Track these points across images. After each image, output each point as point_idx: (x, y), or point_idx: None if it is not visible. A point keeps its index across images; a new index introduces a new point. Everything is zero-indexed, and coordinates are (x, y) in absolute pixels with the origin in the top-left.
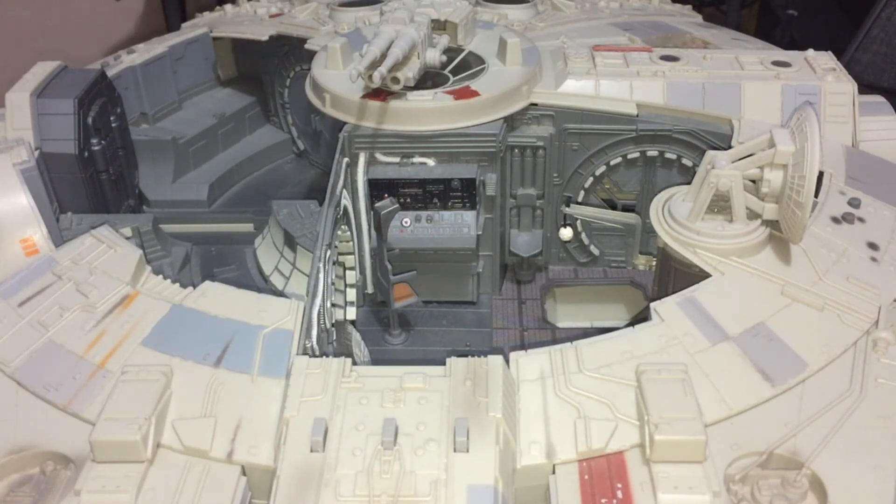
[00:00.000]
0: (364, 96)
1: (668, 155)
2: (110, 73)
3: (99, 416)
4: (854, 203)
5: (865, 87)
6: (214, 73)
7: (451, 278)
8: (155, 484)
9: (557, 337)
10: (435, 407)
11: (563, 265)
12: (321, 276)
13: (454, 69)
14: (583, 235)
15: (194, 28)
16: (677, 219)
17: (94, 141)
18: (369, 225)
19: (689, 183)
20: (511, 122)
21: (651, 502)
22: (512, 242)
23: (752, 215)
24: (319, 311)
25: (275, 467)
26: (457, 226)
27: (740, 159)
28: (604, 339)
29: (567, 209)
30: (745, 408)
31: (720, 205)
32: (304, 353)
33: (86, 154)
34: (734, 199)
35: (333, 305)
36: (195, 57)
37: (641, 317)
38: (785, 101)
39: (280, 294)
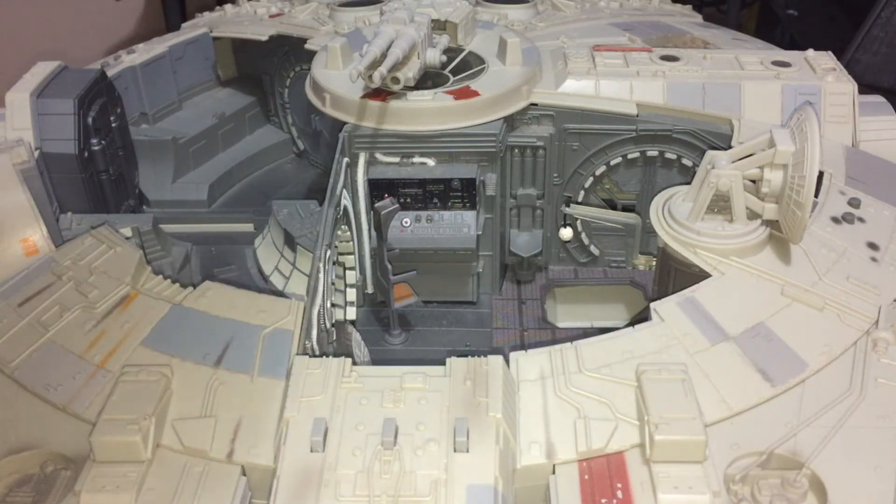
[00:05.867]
0: (364, 96)
1: (668, 155)
2: (110, 73)
3: (99, 416)
4: (854, 203)
5: (865, 87)
6: (214, 73)
7: (451, 278)
8: (155, 484)
9: (557, 337)
10: (435, 407)
11: (563, 265)
12: (321, 276)
13: (454, 69)
14: (583, 235)
15: (194, 28)
16: (677, 219)
17: (94, 141)
18: (369, 225)
19: (689, 183)
20: (511, 122)
21: (651, 502)
22: (512, 242)
23: (752, 215)
24: (319, 311)
25: (275, 467)
26: (457, 226)
27: (740, 159)
28: (604, 339)
29: (567, 209)
30: (745, 408)
31: (720, 205)
32: (304, 353)
33: (86, 154)
34: (734, 199)
35: (333, 305)
36: (195, 57)
37: (641, 317)
38: (785, 101)
39: (280, 294)
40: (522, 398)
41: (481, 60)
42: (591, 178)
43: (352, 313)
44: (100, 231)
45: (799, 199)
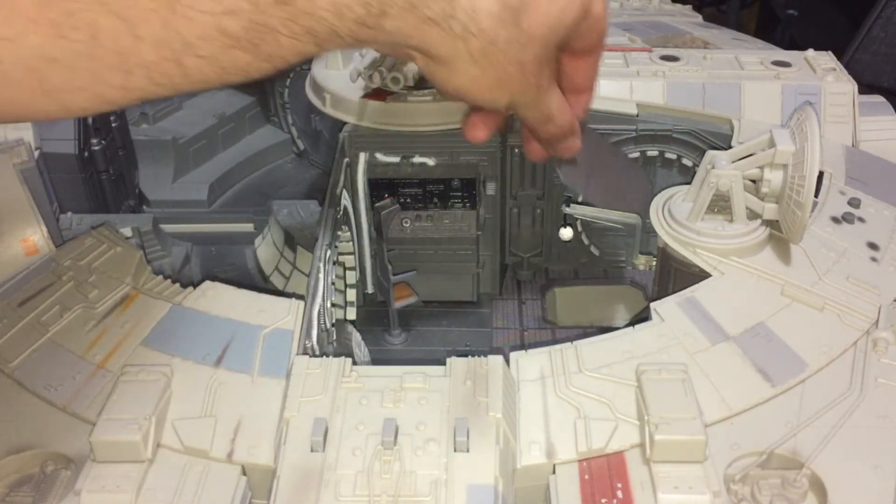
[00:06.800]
0: (364, 96)
1: (668, 155)
2: None
3: (99, 416)
4: (854, 203)
5: (865, 87)
6: None
7: (451, 278)
8: (155, 484)
9: (557, 337)
10: (435, 407)
11: (563, 265)
12: (321, 276)
13: None
14: (583, 235)
15: None
16: (677, 219)
17: (94, 141)
18: (369, 225)
19: (689, 183)
20: (511, 121)
21: (651, 502)
22: (512, 242)
23: (752, 215)
24: (319, 311)
25: (275, 467)
26: (457, 226)
27: (740, 159)
28: (604, 339)
29: (567, 209)
30: (745, 408)
31: (720, 205)
32: (304, 353)
33: (86, 154)
34: (734, 199)
35: (333, 305)
36: None
37: (641, 317)
38: (785, 101)
39: (280, 294)
40: (522, 398)
41: None
42: None
43: (352, 313)
44: (100, 231)
45: (799, 199)
